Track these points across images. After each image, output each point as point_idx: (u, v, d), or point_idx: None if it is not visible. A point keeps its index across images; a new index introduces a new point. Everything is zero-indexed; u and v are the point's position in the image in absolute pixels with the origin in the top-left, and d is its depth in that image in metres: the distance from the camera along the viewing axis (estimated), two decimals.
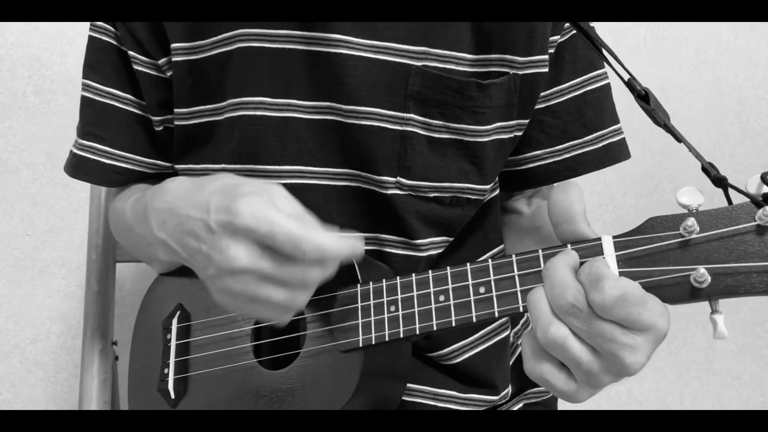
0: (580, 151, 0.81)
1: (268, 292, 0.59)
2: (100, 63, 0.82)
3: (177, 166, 0.84)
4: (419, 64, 0.73)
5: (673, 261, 0.51)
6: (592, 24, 0.74)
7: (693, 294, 0.50)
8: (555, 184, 0.55)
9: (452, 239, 0.80)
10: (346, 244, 0.59)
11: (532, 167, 0.83)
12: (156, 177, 0.85)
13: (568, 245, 0.54)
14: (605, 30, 1.47)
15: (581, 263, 0.53)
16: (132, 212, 0.76)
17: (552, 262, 0.53)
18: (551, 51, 0.77)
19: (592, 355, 0.51)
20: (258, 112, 0.75)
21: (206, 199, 0.61)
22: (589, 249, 0.54)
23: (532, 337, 0.54)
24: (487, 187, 0.79)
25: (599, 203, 1.47)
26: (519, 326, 0.93)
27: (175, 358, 0.76)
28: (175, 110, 0.79)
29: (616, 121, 0.83)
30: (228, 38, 0.75)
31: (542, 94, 0.79)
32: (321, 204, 0.76)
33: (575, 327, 0.51)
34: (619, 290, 0.49)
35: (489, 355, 0.84)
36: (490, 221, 0.85)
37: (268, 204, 0.58)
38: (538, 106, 0.80)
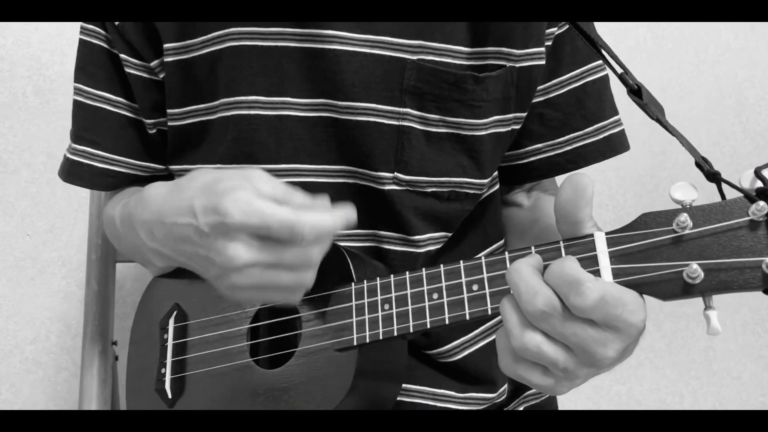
0: (581, 143, 0.81)
1: (274, 278, 0.60)
2: (91, 66, 0.82)
3: (171, 167, 0.83)
4: (415, 57, 0.73)
5: (666, 257, 0.51)
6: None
7: (686, 290, 0.50)
8: (565, 177, 0.54)
9: (451, 234, 0.80)
10: (338, 217, 0.59)
11: (533, 160, 0.83)
12: (150, 180, 0.85)
13: (561, 242, 0.54)
14: (605, 30, 1.46)
15: (545, 265, 0.52)
16: (120, 221, 0.76)
17: (514, 266, 0.52)
18: (548, 43, 0.77)
19: (566, 353, 0.51)
20: (252, 111, 0.74)
21: (190, 203, 0.61)
22: (582, 245, 0.53)
23: (506, 336, 0.53)
24: (485, 181, 0.79)
25: (599, 203, 1.47)
26: None
27: (172, 357, 0.76)
28: (168, 111, 0.79)
29: (616, 112, 0.83)
30: (218, 37, 0.75)
31: (541, 86, 0.79)
32: None
33: (548, 330, 0.51)
34: (599, 293, 0.49)
35: (489, 351, 0.84)
36: (490, 216, 0.85)
37: (252, 195, 0.58)
38: (537, 99, 0.79)
